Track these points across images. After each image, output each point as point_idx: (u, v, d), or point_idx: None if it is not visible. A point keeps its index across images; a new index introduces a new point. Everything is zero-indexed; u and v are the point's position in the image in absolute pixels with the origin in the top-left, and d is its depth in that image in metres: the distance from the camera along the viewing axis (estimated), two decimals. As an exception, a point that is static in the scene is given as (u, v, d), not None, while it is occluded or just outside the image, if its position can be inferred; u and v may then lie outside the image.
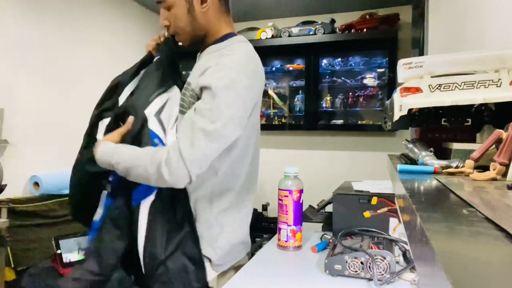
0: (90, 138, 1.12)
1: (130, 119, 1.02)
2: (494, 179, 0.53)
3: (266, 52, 2.74)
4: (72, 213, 1.22)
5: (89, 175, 1.07)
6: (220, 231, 1.05)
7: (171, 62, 1.13)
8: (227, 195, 1.06)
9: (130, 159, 0.95)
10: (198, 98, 0.99)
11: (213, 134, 0.91)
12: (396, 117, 0.75)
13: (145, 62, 1.15)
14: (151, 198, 0.99)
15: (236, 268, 1.06)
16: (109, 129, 1.08)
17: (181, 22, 1.06)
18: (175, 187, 0.94)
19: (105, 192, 1.04)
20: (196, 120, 0.92)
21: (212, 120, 0.91)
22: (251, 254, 1.16)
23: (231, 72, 0.96)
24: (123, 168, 0.95)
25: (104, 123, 1.11)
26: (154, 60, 1.13)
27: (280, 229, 1.14)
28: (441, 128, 0.84)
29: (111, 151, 0.97)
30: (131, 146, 0.99)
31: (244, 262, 1.09)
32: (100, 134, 1.10)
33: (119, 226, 0.99)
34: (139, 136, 1.00)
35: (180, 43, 1.13)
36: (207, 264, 1.03)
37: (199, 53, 1.16)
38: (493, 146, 0.58)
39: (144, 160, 0.92)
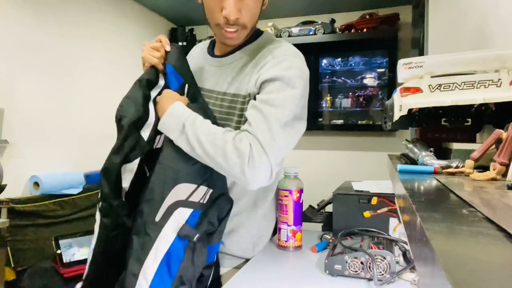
0: (117, 193, 0.90)
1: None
2: (494, 179, 0.53)
3: (266, 52, 2.73)
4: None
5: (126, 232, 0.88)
6: (260, 234, 1.09)
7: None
8: (267, 199, 1.09)
9: (209, 135, 0.83)
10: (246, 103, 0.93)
11: (288, 125, 0.86)
12: (396, 117, 0.75)
13: (151, 81, 0.96)
14: None
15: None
16: (139, 172, 0.91)
17: (255, 16, 0.94)
18: (249, 187, 0.86)
19: (170, 234, 0.82)
20: (268, 110, 0.85)
21: (288, 109, 0.86)
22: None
23: (296, 60, 0.91)
24: (195, 143, 0.83)
25: (128, 167, 0.91)
26: (184, 84, 0.95)
27: (280, 229, 1.14)
28: (441, 128, 0.84)
29: (186, 115, 0.86)
30: (207, 120, 0.87)
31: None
32: (126, 182, 0.91)
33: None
34: None
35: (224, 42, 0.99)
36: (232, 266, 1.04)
37: (206, 56, 1.07)
38: (493, 146, 0.58)
39: (224, 148, 0.82)
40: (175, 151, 0.87)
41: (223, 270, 1.05)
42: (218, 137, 0.84)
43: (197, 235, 0.83)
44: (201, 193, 0.86)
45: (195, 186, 0.85)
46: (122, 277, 0.84)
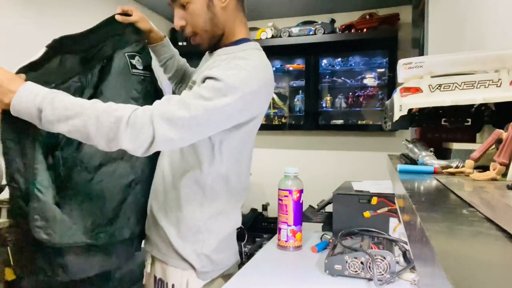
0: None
1: None
2: (494, 179, 0.53)
3: (266, 52, 2.72)
4: None
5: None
6: (207, 237, 0.99)
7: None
8: (218, 200, 1.01)
9: (73, 106, 0.81)
10: None
11: (203, 98, 0.84)
12: (396, 117, 0.75)
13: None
14: None
15: (226, 276, 1.02)
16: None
17: (200, 20, 0.97)
18: (129, 150, 0.82)
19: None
20: (189, 93, 0.87)
21: (208, 97, 0.84)
22: (250, 255, 1.16)
23: (242, 72, 0.89)
24: (57, 117, 0.80)
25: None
26: None
27: (280, 229, 1.14)
28: (441, 128, 0.84)
29: (42, 94, 0.82)
30: (66, 94, 0.85)
31: (234, 271, 1.05)
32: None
33: None
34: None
35: (196, 43, 1.03)
36: (191, 272, 0.98)
37: (207, 53, 1.10)
38: (493, 146, 0.58)
39: (96, 109, 0.80)
40: None
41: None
42: (87, 107, 0.81)
43: None
44: None
45: None
46: None
